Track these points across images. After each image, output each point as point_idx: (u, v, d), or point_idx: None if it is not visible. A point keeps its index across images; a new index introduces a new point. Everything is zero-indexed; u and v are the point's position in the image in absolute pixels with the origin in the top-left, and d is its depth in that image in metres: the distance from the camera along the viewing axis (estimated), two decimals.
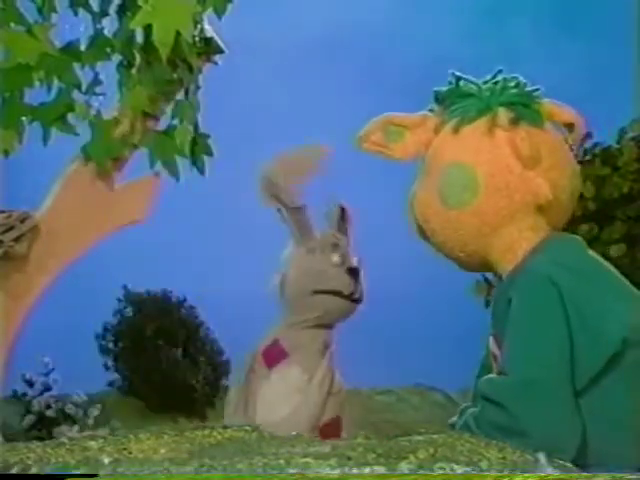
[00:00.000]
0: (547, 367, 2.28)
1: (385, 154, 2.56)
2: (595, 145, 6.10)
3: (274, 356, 2.55)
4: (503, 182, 2.43)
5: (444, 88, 2.56)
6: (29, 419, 8.76)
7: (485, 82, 2.53)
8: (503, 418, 2.27)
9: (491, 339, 2.49)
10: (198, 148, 3.32)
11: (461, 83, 2.53)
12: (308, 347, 2.54)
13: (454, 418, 2.57)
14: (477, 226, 2.44)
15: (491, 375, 2.41)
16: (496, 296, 2.53)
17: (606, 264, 2.49)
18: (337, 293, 2.59)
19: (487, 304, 6.53)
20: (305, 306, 2.60)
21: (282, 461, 1.93)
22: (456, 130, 2.48)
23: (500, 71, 2.55)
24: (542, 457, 2.12)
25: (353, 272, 2.60)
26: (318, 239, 2.64)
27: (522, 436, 2.22)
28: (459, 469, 1.95)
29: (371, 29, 10.16)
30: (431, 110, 2.58)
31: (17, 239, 3.18)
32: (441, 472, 1.93)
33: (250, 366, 2.57)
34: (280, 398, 2.47)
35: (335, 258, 2.60)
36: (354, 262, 2.62)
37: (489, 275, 6.81)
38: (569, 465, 2.16)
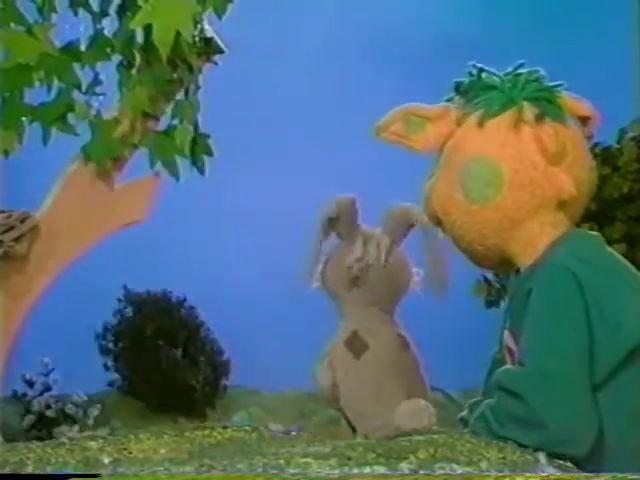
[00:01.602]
0: (565, 359, 2.28)
1: (405, 145, 2.55)
2: (595, 145, 6.09)
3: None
4: (527, 178, 2.43)
5: (465, 80, 2.55)
6: (29, 419, 8.77)
7: (507, 75, 2.53)
8: (520, 409, 2.26)
9: (506, 333, 2.49)
10: (198, 148, 3.32)
11: (483, 75, 2.53)
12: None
13: (464, 412, 2.57)
14: (499, 220, 2.44)
15: (508, 366, 2.41)
16: (514, 290, 2.52)
17: (624, 260, 2.50)
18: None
19: (487, 304, 6.54)
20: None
21: (282, 461, 1.94)
22: (480, 124, 2.47)
23: (522, 64, 2.54)
24: (542, 457, 2.12)
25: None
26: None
27: (539, 427, 2.23)
28: (459, 469, 1.95)
29: (372, 28, 10.16)
30: (449, 100, 2.57)
31: (17, 239, 3.18)
32: (441, 472, 1.93)
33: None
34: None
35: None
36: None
37: (489, 275, 6.83)
38: (569, 465, 2.16)
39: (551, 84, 2.52)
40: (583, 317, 2.30)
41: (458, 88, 2.55)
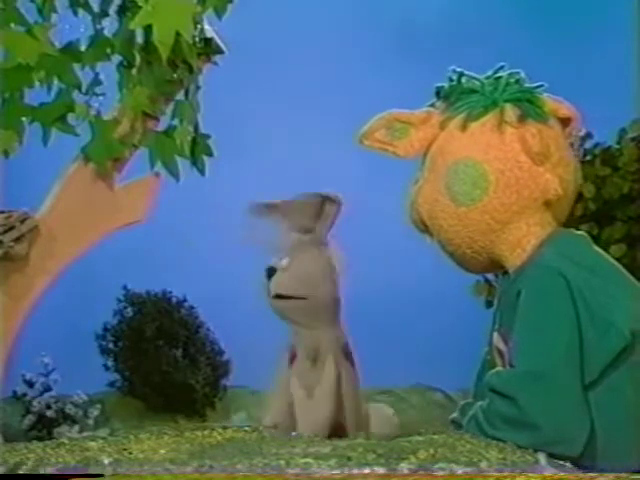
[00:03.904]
0: (556, 360, 2.29)
1: (388, 151, 2.56)
2: (595, 145, 6.09)
3: (291, 357, 2.56)
4: (513, 178, 2.45)
5: (446, 84, 2.57)
6: (29, 419, 8.76)
7: (487, 78, 2.54)
8: (512, 410, 2.27)
9: (496, 335, 2.50)
10: (198, 148, 3.32)
11: (463, 79, 2.54)
12: (313, 347, 2.54)
13: (455, 414, 2.57)
14: (486, 222, 2.45)
15: (499, 368, 2.42)
16: (503, 291, 2.53)
17: (611, 260, 2.51)
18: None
19: (487, 304, 6.53)
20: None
21: (282, 461, 1.94)
22: (463, 127, 2.49)
23: (502, 67, 2.56)
24: (542, 457, 2.13)
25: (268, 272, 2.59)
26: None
27: (531, 428, 2.23)
28: (459, 469, 1.96)
29: (373, 28, 10.16)
30: (432, 106, 2.59)
31: (17, 239, 3.18)
32: (441, 472, 1.93)
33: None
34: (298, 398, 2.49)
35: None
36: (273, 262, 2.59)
37: (489, 275, 6.82)
38: (569, 465, 2.17)
39: (532, 85, 2.54)
40: (573, 317, 2.31)
41: (439, 93, 2.57)
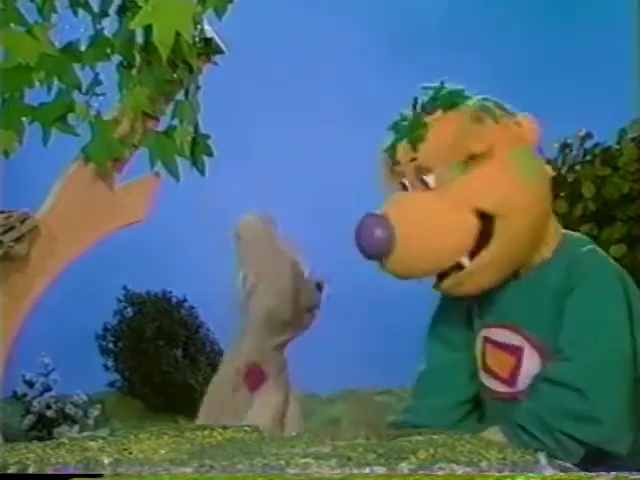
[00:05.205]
0: (622, 357, 2.32)
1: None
2: (595, 145, 6.09)
3: (255, 379, 2.59)
4: (540, 161, 2.53)
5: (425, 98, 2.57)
6: (29, 419, 8.76)
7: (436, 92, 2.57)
8: (583, 405, 2.28)
9: (497, 329, 2.49)
10: (198, 148, 3.32)
11: (430, 91, 2.56)
12: (282, 369, 2.60)
13: (399, 417, 2.61)
14: (546, 205, 2.50)
15: (559, 362, 2.39)
16: (513, 286, 2.50)
17: None
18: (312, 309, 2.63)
19: None
20: (286, 325, 2.63)
21: (282, 461, 1.94)
22: (481, 119, 2.50)
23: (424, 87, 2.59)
24: (542, 457, 2.13)
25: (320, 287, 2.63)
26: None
27: (595, 423, 2.26)
28: (459, 469, 1.95)
29: (373, 28, 10.17)
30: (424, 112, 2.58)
31: (17, 240, 3.18)
32: (441, 472, 1.93)
33: (234, 385, 2.63)
34: (266, 422, 2.54)
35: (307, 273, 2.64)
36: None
37: None
38: (569, 465, 2.17)
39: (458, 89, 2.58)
40: (629, 316, 2.34)
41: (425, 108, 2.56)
